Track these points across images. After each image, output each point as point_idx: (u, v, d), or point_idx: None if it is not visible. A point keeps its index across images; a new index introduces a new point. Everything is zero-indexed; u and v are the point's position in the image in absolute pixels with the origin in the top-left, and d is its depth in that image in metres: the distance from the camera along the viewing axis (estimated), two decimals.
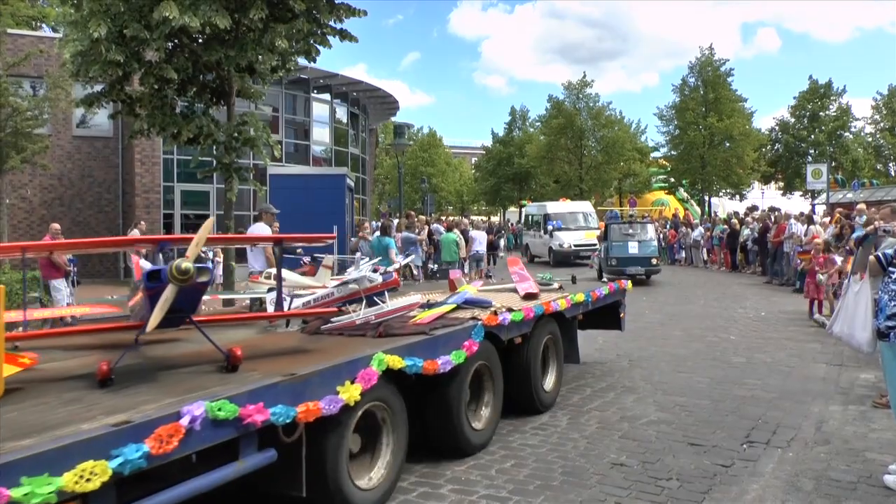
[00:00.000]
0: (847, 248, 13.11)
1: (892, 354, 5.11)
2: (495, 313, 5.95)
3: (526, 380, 6.58)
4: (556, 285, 8.20)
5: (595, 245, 25.23)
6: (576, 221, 28.56)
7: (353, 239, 13.85)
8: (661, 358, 9.66)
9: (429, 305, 6.30)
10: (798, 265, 16.57)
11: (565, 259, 26.30)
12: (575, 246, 26.63)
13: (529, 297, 7.28)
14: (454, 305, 6.28)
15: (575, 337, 8.11)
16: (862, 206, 15.58)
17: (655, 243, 20.48)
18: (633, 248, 19.76)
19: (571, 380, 8.34)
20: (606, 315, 8.85)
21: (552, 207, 30.08)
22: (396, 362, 4.56)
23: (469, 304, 6.45)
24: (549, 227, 27.88)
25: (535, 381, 6.65)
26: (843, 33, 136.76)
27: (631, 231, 20.61)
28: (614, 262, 19.51)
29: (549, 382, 7.12)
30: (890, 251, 5.23)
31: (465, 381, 5.44)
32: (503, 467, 5.39)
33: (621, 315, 9.00)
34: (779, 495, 4.85)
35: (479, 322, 5.61)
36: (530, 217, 32.25)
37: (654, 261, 19.73)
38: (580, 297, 7.59)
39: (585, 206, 31.28)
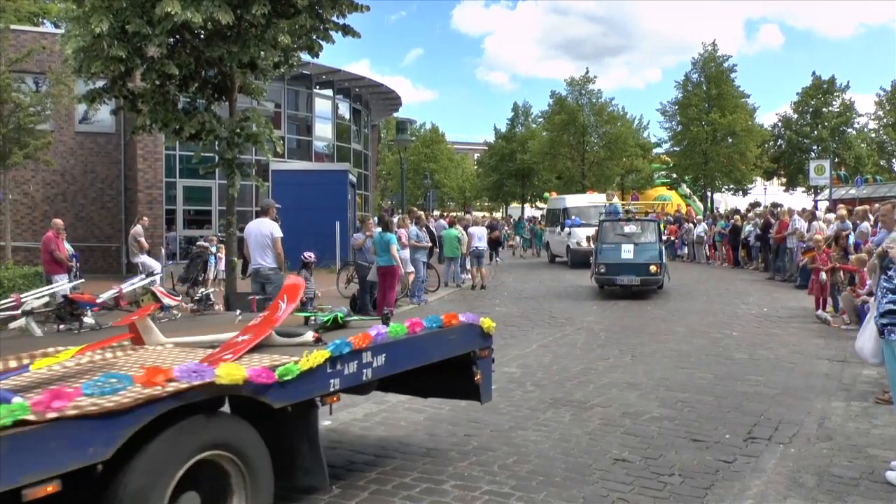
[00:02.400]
0: (848, 254, 13.10)
1: (891, 352, 5.11)
2: None
3: None
4: (309, 336, 4.58)
5: None
6: (599, 216, 25.52)
7: (357, 235, 13.80)
8: (664, 354, 9.66)
9: None
10: (801, 262, 16.55)
11: (584, 260, 22.01)
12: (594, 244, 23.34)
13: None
14: None
15: (314, 437, 4.25)
16: (843, 213, 15.52)
17: (658, 247, 16.47)
18: (626, 253, 16.00)
19: (574, 375, 8.35)
20: (448, 377, 5.36)
21: (571, 201, 26.94)
22: None
23: None
24: (567, 224, 24.75)
25: None
26: (847, 30, 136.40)
27: (626, 231, 17.01)
28: (603, 269, 15.99)
29: None
30: None
31: None
32: (505, 463, 5.39)
33: (476, 377, 5.30)
34: (781, 491, 4.85)
35: None
36: (552, 212, 29.18)
37: (652, 268, 15.68)
38: (315, 361, 3.95)
39: (603, 200, 27.97)
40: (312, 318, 5.57)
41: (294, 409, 3.99)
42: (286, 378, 3.81)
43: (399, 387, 5.61)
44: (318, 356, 4.02)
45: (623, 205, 21.68)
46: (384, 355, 4.52)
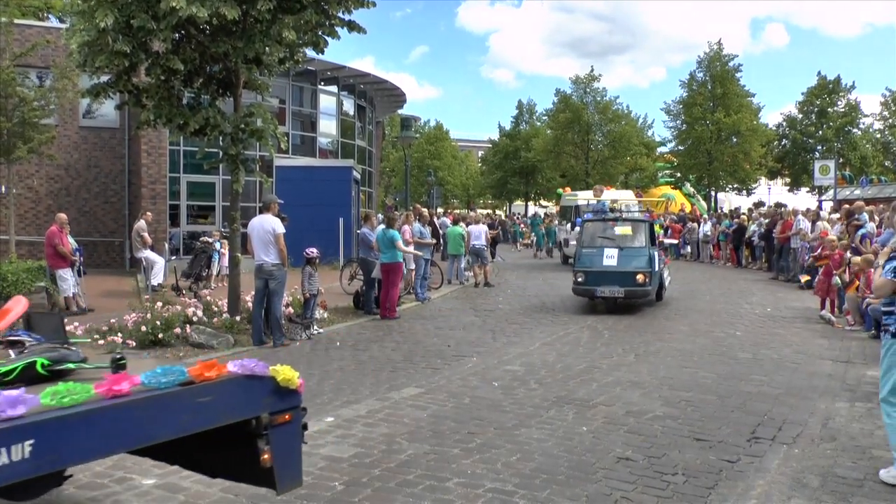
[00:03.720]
0: (853, 245, 13.08)
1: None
2: None
3: None
4: None
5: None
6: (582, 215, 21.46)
7: (367, 231, 13.60)
8: (667, 353, 9.65)
9: None
10: (806, 262, 16.52)
11: None
12: None
13: None
14: None
15: None
16: (861, 203, 15.54)
17: (648, 252, 13.61)
18: (609, 259, 13.36)
19: (578, 374, 8.34)
20: (224, 455, 3.67)
21: (585, 197, 23.69)
22: None
23: None
24: (577, 223, 21.37)
25: None
26: (854, 29, 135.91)
27: (611, 233, 14.15)
28: (581, 277, 13.43)
29: None
30: None
31: None
32: (509, 461, 5.38)
33: (263, 456, 3.48)
34: (785, 491, 4.83)
35: None
36: (565, 209, 26.82)
37: (640, 277, 13.04)
38: None
39: (626, 197, 24.49)
40: None
41: None
42: None
43: (164, 457, 3.95)
44: None
45: (612, 202, 17.99)
46: (31, 441, 2.60)
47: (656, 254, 13.86)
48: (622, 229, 14.16)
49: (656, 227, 14.87)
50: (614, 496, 4.73)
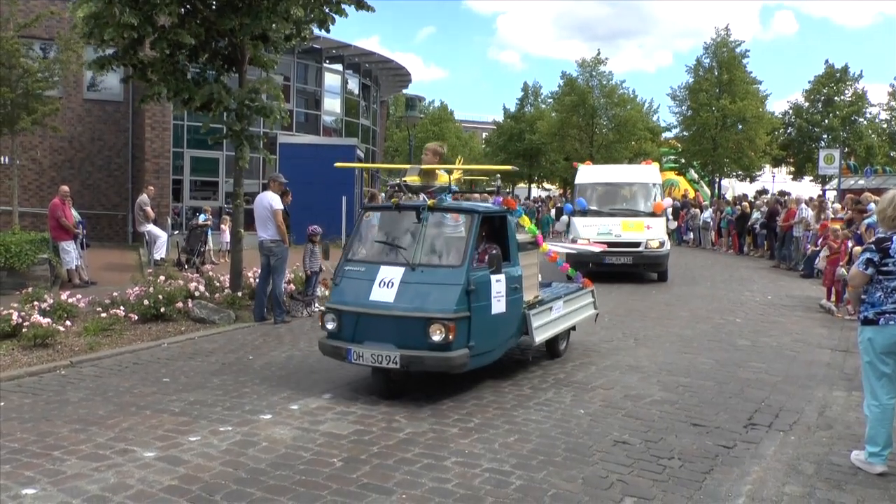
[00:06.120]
0: (857, 232, 13.06)
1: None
2: None
3: None
4: None
5: (637, 244, 15.66)
6: (618, 200, 17.22)
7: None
8: (667, 338, 9.68)
9: None
10: (807, 250, 16.52)
11: (583, 265, 13.22)
12: (599, 243, 13.83)
13: None
14: None
15: None
16: (868, 194, 15.52)
17: (466, 279, 6.36)
18: (383, 290, 6.46)
19: (577, 357, 8.38)
20: None
21: (584, 175, 18.03)
22: None
23: None
24: (566, 210, 17.54)
25: None
26: (864, 19, 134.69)
27: (416, 235, 6.83)
28: (332, 324, 6.68)
29: None
30: None
31: None
32: (507, 441, 5.43)
33: None
34: (780, 478, 4.87)
35: None
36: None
37: (436, 331, 6.13)
38: None
39: (643, 175, 17.89)
40: None
41: None
42: None
43: None
44: None
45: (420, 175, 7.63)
46: None
47: (498, 282, 6.79)
48: (424, 226, 6.87)
49: (525, 224, 8.22)
50: (610, 479, 4.77)
